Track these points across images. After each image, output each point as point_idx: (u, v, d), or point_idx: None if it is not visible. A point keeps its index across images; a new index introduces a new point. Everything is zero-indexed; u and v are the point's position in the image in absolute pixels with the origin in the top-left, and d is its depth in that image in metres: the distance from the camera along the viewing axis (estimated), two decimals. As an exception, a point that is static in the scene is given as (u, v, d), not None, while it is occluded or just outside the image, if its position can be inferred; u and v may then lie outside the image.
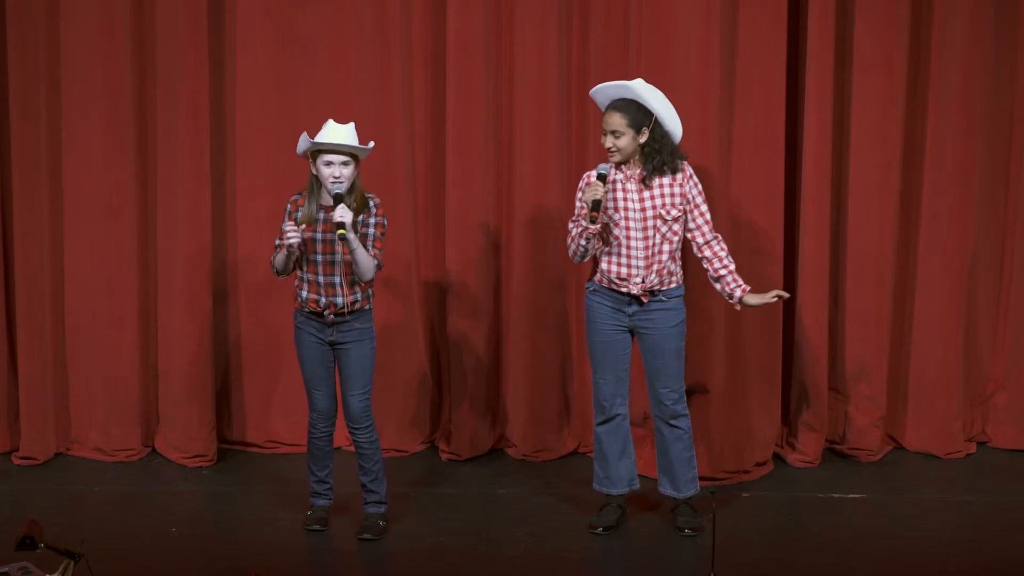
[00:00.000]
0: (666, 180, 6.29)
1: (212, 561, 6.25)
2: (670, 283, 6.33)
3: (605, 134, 6.27)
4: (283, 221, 6.21)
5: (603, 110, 6.35)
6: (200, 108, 7.25)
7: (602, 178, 6.21)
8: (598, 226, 6.21)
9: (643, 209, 6.27)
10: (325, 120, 6.32)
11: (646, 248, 6.28)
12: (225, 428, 7.61)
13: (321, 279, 6.19)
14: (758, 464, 7.32)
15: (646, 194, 6.27)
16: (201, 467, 7.40)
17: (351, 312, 6.22)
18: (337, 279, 6.18)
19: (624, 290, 6.33)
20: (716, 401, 7.24)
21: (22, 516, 6.04)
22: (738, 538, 6.45)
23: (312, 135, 6.14)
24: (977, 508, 6.88)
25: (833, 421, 7.56)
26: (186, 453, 7.42)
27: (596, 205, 6.16)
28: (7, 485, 7.10)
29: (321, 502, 6.50)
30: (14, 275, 7.39)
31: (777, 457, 7.47)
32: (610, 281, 6.35)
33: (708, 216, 6.37)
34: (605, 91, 6.35)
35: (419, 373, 7.59)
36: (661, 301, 6.34)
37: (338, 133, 6.10)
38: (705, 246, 6.37)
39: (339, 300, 6.20)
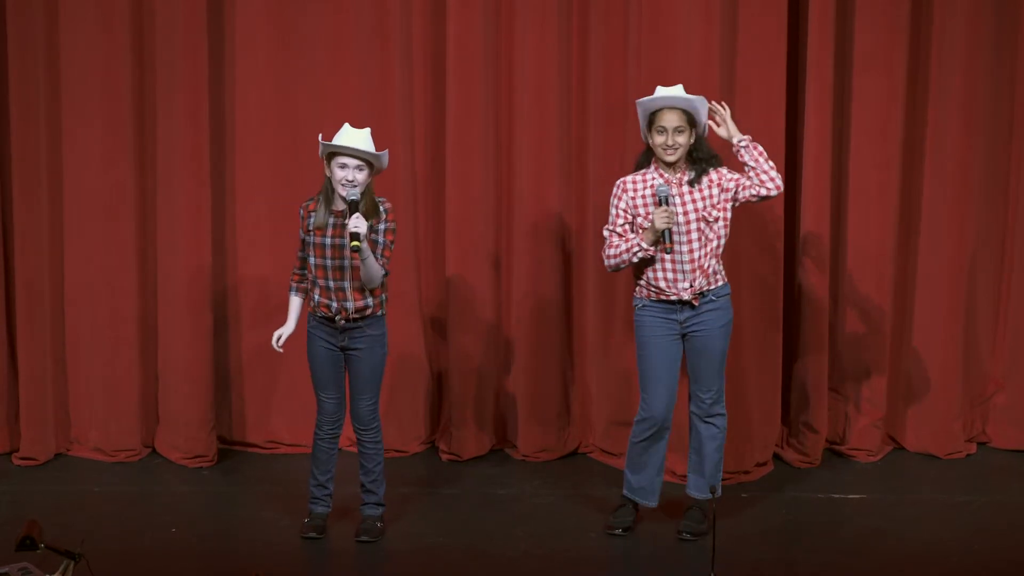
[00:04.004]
0: (710, 178, 6.31)
1: (212, 561, 6.25)
2: (716, 282, 6.33)
3: (664, 131, 6.24)
4: (299, 228, 6.25)
5: (647, 112, 6.29)
6: (200, 108, 7.25)
7: (666, 200, 6.21)
8: (664, 250, 6.21)
9: (686, 213, 6.27)
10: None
11: (691, 252, 6.27)
12: (225, 428, 7.61)
13: (331, 284, 6.19)
14: (758, 464, 7.32)
15: (688, 198, 6.28)
16: (201, 467, 7.40)
17: (362, 317, 6.22)
18: (346, 284, 6.18)
19: (674, 297, 6.31)
20: (716, 401, 7.25)
21: (22, 516, 6.03)
22: (738, 538, 6.45)
23: (327, 138, 6.14)
24: (977, 508, 6.88)
25: (833, 421, 7.56)
26: (186, 453, 7.42)
27: (668, 235, 6.17)
28: (7, 485, 7.10)
29: (319, 509, 6.48)
30: (14, 275, 7.38)
31: (777, 457, 7.47)
32: (658, 291, 6.32)
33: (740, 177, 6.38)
34: (661, 99, 6.27)
35: (419, 373, 7.59)
36: (712, 301, 6.32)
37: (354, 137, 6.11)
38: (749, 180, 6.35)
39: (349, 305, 6.20)
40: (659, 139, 6.26)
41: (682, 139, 6.25)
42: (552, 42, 7.25)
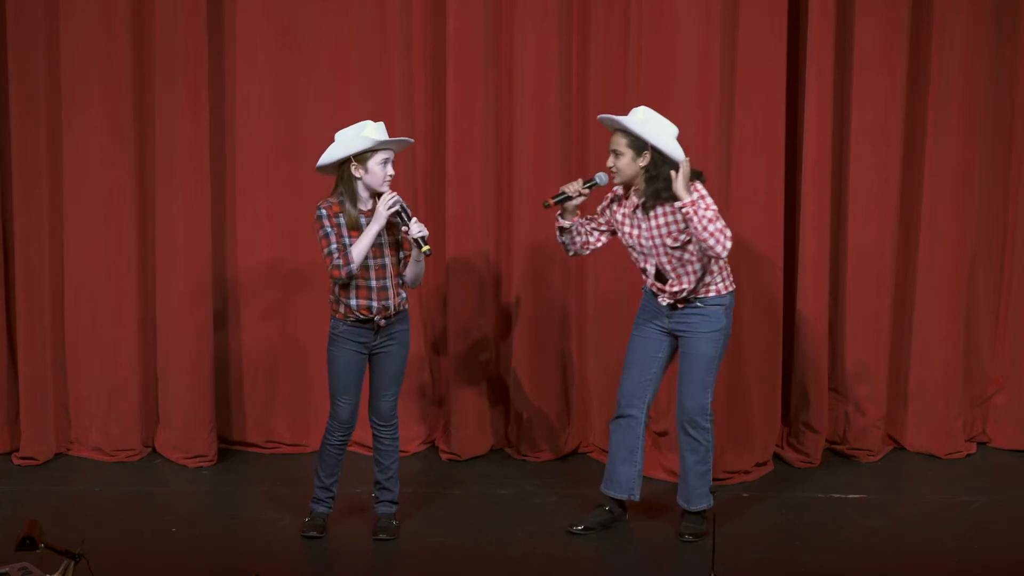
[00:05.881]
0: (668, 207, 6.19)
1: (212, 561, 6.25)
2: (707, 292, 6.28)
3: (610, 154, 6.25)
4: (322, 227, 6.08)
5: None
6: (200, 108, 7.25)
7: (590, 183, 6.25)
8: (567, 223, 6.28)
9: (651, 237, 6.24)
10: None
11: (662, 271, 6.28)
12: (225, 428, 7.61)
13: (373, 283, 6.16)
14: (758, 464, 7.32)
15: (651, 222, 6.23)
16: (201, 467, 7.40)
17: (397, 312, 6.23)
18: (388, 282, 6.17)
19: (659, 302, 6.35)
20: (716, 401, 7.21)
21: (22, 516, 6.03)
22: (738, 538, 6.45)
23: (323, 134, 6.13)
24: (977, 508, 6.88)
25: (833, 421, 7.57)
26: (186, 453, 7.42)
27: (559, 197, 6.23)
28: (7, 485, 7.10)
29: (321, 508, 6.47)
30: (14, 275, 7.38)
31: (777, 457, 7.47)
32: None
33: None
34: (611, 120, 6.27)
35: (419, 373, 7.59)
36: (697, 307, 6.30)
37: (386, 130, 6.12)
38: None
39: (390, 303, 6.19)
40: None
41: (620, 163, 6.19)
42: (552, 42, 7.25)
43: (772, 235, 7.28)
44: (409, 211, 6.12)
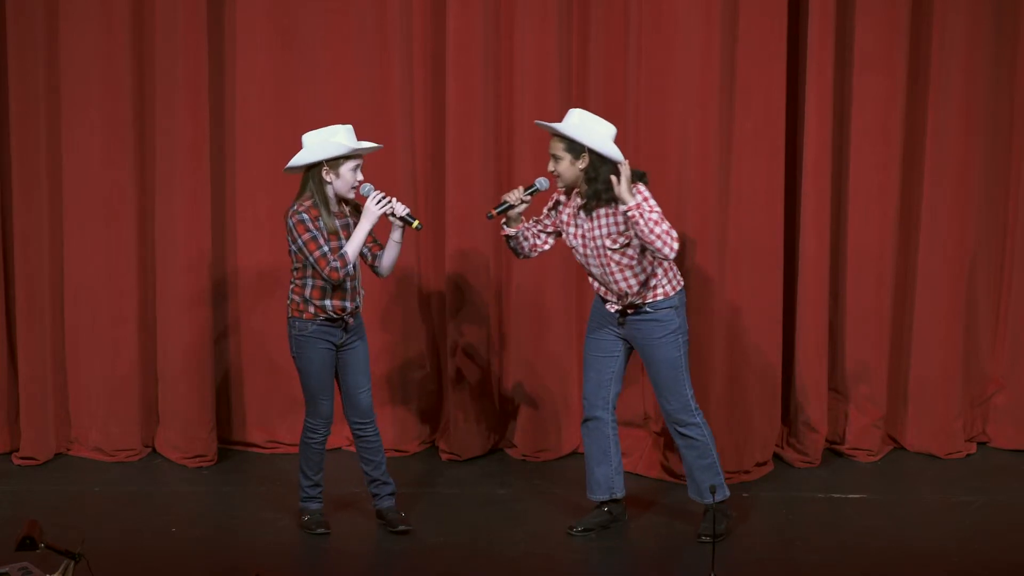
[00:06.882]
0: (610, 209, 6.18)
1: (212, 561, 6.25)
2: (654, 296, 6.27)
3: (550, 158, 6.24)
4: (308, 230, 6.10)
5: None
6: (200, 108, 7.25)
7: (531, 189, 6.26)
8: (512, 231, 6.30)
9: (593, 239, 6.23)
10: (325, 121, 6.33)
11: (604, 274, 6.27)
12: (225, 428, 7.61)
13: (348, 284, 6.21)
14: (758, 464, 7.32)
15: (592, 223, 6.22)
16: (201, 467, 7.40)
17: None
18: (357, 283, 6.26)
19: (608, 309, 6.36)
20: (716, 401, 7.24)
21: (22, 516, 6.04)
22: (738, 538, 6.45)
23: (292, 139, 6.16)
24: (977, 508, 6.88)
25: (833, 421, 7.56)
26: (186, 453, 7.43)
27: (501, 207, 6.24)
28: (7, 485, 7.10)
29: (314, 505, 6.50)
30: (14, 275, 7.39)
31: (777, 457, 7.47)
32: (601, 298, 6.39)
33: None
34: (546, 125, 6.26)
35: (419, 373, 7.59)
36: (647, 312, 6.30)
37: (354, 135, 6.15)
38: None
39: (359, 302, 6.29)
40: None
41: (560, 167, 6.18)
42: (552, 42, 7.25)
43: (772, 235, 7.28)
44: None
